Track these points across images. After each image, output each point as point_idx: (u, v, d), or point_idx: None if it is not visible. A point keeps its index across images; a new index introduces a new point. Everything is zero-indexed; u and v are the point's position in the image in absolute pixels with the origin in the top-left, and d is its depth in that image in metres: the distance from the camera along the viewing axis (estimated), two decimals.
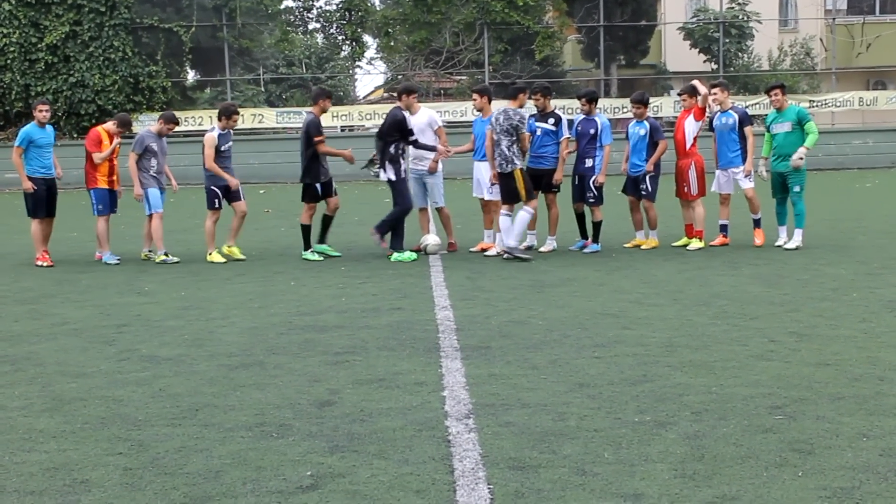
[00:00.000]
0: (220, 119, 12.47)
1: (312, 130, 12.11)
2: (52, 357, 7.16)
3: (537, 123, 12.47)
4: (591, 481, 4.37)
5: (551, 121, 12.35)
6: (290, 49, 37.82)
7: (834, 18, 38.10)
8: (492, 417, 5.35)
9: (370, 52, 40.16)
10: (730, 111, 12.64)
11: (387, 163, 12.05)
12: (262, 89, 40.10)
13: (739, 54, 37.42)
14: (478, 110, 12.76)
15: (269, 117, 33.42)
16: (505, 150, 11.75)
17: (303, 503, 4.21)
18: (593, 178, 12.29)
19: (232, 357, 7.00)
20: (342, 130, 34.72)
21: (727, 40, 35.97)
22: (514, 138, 11.75)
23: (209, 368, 6.67)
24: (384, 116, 12.82)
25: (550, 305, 8.78)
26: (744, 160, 12.57)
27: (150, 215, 12.44)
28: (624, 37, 37.47)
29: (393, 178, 12.04)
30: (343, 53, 38.64)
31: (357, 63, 38.29)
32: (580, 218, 12.66)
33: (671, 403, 5.54)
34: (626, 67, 39.31)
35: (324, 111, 12.37)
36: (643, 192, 12.63)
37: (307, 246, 12.41)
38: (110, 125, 12.79)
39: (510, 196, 11.90)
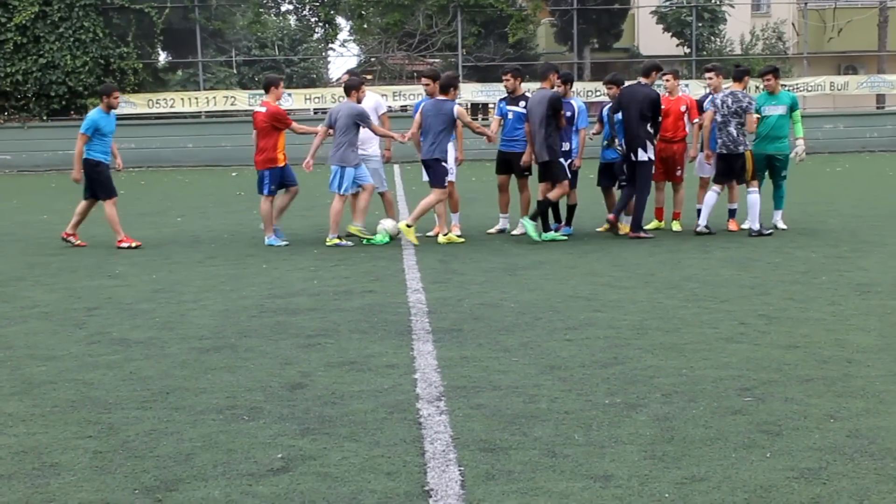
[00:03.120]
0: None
1: (558, 106, 11.74)
2: (22, 340, 7.11)
3: (508, 107, 12.42)
4: (561, 463, 4.39)
5: (522, 104, 12.30)
6: (262, 31, 37.57)
7: (806, 3, 38.23)
8: (463, 400, 5.36)
9: (343, 35, 40.00)
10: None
11: (647, 142, 11.94)
12: (235, 71, 39.85)
13: (712, 38, 37.59)
14: (429, 95, 12.11)
15: (242, 99, 33.21)
16: (734, 132, 11.90)
17: (274, 486, 4.20)
18: (570, 161, 12.21)
19: (203, 340, 6.98)
20: (315, 113, 34.60)
21: (700, 24, 36.11)
22: (742, 119, 11.90)
23: (180, 351, 6.64)
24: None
25: (522, 288, 8.80)
26: None
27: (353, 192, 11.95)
28: (597, 20, 37.50)
29: (653, 157, 12.03)
30: (316, 35, 38.53)
31: (330, 45, 38.14)
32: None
33: (641, 386, 5.58)
34: (600, 51, 39.36)
35: (552, 86, 12.03)
36: (624, 182, 12.38)
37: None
38: (272, 98, 12.15)
39: (726, 175, 12.14)
